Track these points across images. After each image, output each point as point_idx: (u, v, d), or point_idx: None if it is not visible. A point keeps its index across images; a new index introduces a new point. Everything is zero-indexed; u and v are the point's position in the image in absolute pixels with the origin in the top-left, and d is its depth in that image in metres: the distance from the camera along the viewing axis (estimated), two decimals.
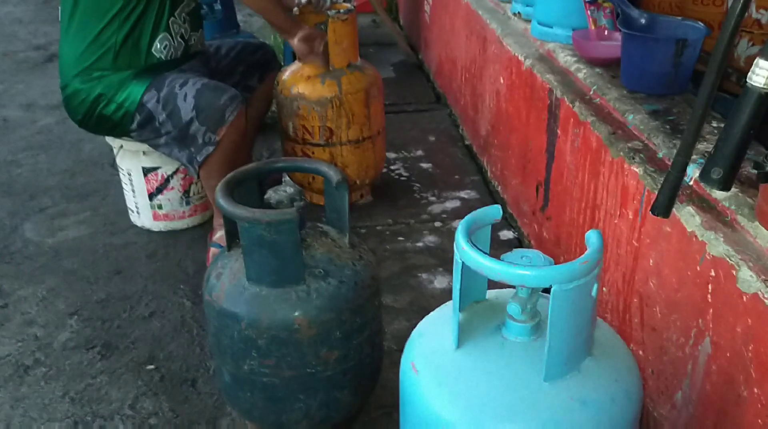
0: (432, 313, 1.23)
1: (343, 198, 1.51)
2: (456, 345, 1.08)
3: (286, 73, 2.49)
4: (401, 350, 1.91)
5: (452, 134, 3.28)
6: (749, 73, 0.96)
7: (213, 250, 2.27)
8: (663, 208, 1.08)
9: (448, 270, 2.24)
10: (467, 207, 2.63)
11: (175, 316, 2.10)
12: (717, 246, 1.19)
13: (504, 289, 1.23)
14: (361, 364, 1.55)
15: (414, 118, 3.47)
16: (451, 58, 3.41)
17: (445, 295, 2.11)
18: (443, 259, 2.31)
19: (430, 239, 2.43)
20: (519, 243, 2.36)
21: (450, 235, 2.45)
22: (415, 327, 1.99)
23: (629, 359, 1.10)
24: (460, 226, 1.05)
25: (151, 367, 1.91)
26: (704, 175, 1.07)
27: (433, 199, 2.70)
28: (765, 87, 0.94)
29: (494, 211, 1.10)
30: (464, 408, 1.01)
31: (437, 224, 2.52)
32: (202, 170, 2.16)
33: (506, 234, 2.41)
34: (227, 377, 1.54)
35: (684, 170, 1.06)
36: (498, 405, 1.00)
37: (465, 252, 1.00)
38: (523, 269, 0.95)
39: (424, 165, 2.97)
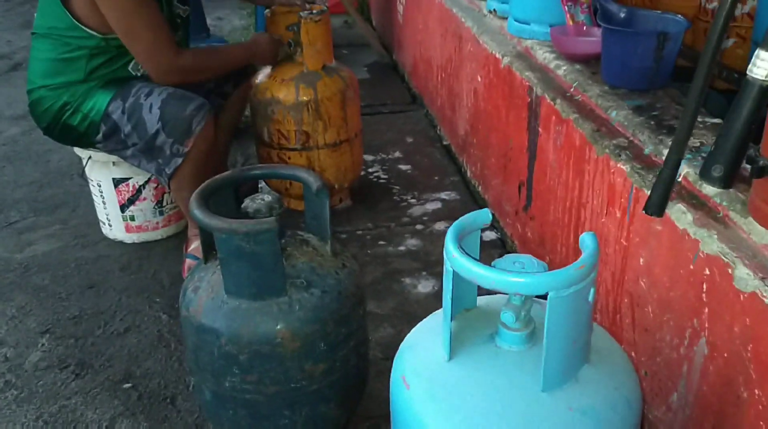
0: (421, 324, 1.18)
1: (324, 204, 1.46)
2: (448, 357, 1.03)
3: (260, 77, 2.43)
4: (387, 359, 1.88)
5: (430, 135, 3.24)
6: (749, 66, 0.93)
7: (189, 261, 2.21)
8: (656, 206, 1.05)
9: (432, 274, 2.20)
10: (448, 208, 2.59)
11: (151, 331, 2.03)
12: (710, 244, 1.16)
13: (494, 295, 1.19)
14: (348, 376, 1.49)
15: (390, 119, 3.43)
16: (426, 57, 3.37)
17: (430, 300, 2.07)
18: (426, 262, 2.26)
19: (412, 242, 2.38)
20: (502, 243, 2.33)
21: (432, 237, 2.41)
22: (400, 334, 1.96)
23: (627, 364, 1.07)
24: (449, 233, 1.00)
25: (128, 385, 1.84)
26: (704, 173, 1.04)
27: (413, 201, 2.65)
28: (766, 79, 0.91)
29: (483, 216, 1.05)
30: (460, 422, 0.96)
31: (419, 227, 2.48)
32: (172, 182, 2.09)
33: (489, 235, 2.38)
34: (208, 395, 1.48)
35: (677, 168, 1.03)
36: (495, 418, 0.95)
37: (456, 260, 0.95)
38: (518, 277, 0.91)
39: (403, 167, 2.93)
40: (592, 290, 0.95)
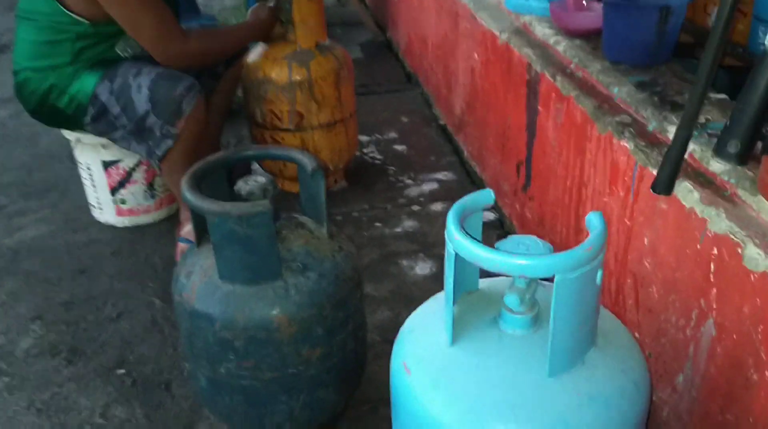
0: (421, 307, 1.15)
1: (320, 186, 1.42)
2: (450, 341, 1.00)
3: (252, 56, 2.37)
4: (385, 342, 1.85)
5: (425, 114, 3.19)
6: (766, 38, 0.89)
7: (181, 245, 2.16)
8: (664, 185, 1.01)
9: (430, 255, 2.17)
10: (445, 189, 2.55)
11: (144, 316, 1.99)
12: (719, 222, 1.12)
13: (496, 278, 1.16)
14: (346, 360, 1.46)
15: (385, 99, 3.37)
16: (420, 36, 3.31)
17: (428, 282, 2.04)
18: (423, 244, 2.23)
19: (409, 224, 2.34)
20: (500, 224, 2.29)
21: (429, 218, 2.37)
22: (398, 317, 1.93)
23: (634, 347, 1.04)
24: (451, 214, 0.96)
25: (122, 371, 1.80)
26: (719, 149, 1.00)
27: (409, 182, 2.61)
28: None
29: (485, 196, 1.02)
30: (463, 409, 0.93)
31: (415, 208, 2.44)
32: (163, 164, 2.04)
33: (487, 215, 2.34)
34: (203, 381, 1.45)
35: (686, 144, 0.99)
36: (500, 404, 0.92)
37: (459, 242, 0.92)
38: (523, 259, 0.87)
39: (398, 147, 2.88)
40: (599, 272, 0.92)
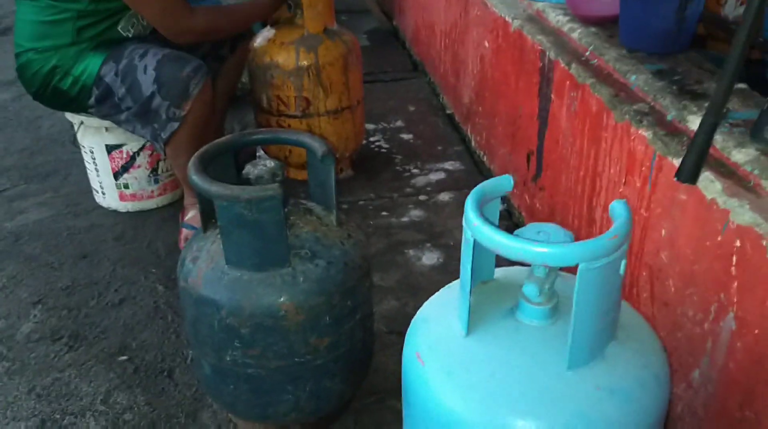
0: (434, 297, 1.12)
1: (329, 172, 1.38)
2: (466, 331, 0.97)
3: (259, 41, 2.34)
4: (392, 332, 1.83)
5: (432, 103, 3.15)
6: None
7: (186, 231, 2.13)
8: (689, 173, 0.98)
9: (437, 245, 2.13)
10: (452, 178, 2.52)
11: (147, 302, 1.96)
12: (742, 214, 1.09)
13: (512, 267, 1.13)
14: (353, 350, 1.43)
15: (391, 87, 3.33)
16: (428, 23, 3.27)
17: (435, 272, 2.01)
18: (431, 233, 2.20)
19: (416, 213, 2.31)
20: (509, 215, 2.26)
21: (436, 208, 2.34)
22: (405, 307, 1.91)
23: (654, 340, 1.01)
24: (470, 200, 0.93)
25: (124, 357, 1.78)
26: (756, 133, 0.96)
27: (416, 171, 2.58)
28: None
29: (505, 182, 0.98)
30: (479, 401, 0.90)
31: (422, 198, 2.40)
32: (168, 148, 2.01)
33: None
34: (207, 369, 1.42)
35: (713, 132, 0.96)
36: (517, 397, 0.89)
37: (478, 228, 0.88)
38: (546, 247, 0.84)
39: (405, 136, 2.85)
40: (623, 262, 0.89)
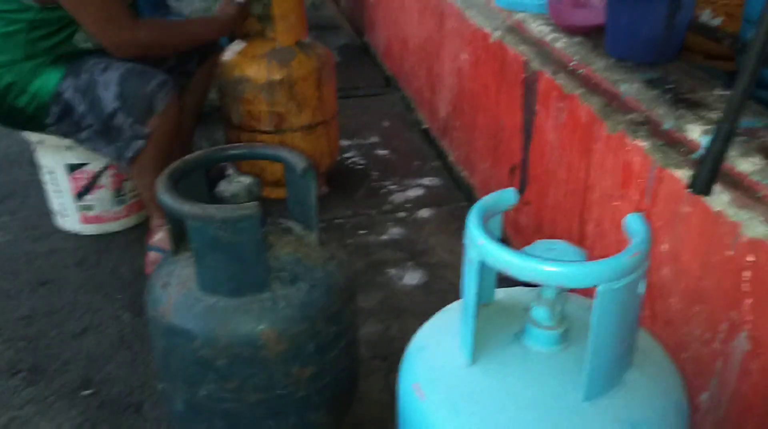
0: (430, 322, 1.03)
1: (310, 188, 1.30)
2: (470, 360, 0.88)
3: (228, 54, 2.24)
4: (375, 357, 1.73)
5: (407, 118, 3.08)
6: None
7: (153, 254, 2.01)
8: (704, 183, 0.92)
9: (419, 264, 2.05)
10: (431, 194, 2.44)
11: (112, 332, 1.84)
12: (753, 226, 1.03)
13: (513, 288, 1.05)
14: (338, 379, 1.34)
15: (364, 103, 3.26)
16: (401, 37, 3.21)
17: (418, 292, 1.92)
18: (412, 252, 2.11)
19: (395, 231, 2.23)
20: None
21: (416, 225, 2.25)
22: (388, 330, 1.81)
23: (670, 365, 0.93)
24: (473, 216, 0.85)
25: (88, 392, 1.65)
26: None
27: (393, 187, 2.49)
28: None
29: (508, 196, 0.90)
30: None
31: (401, 214, 2.32)
32: (133, 167, 1.89)
33: None
34: (180, 405, 1.30)
35: (730, 139, 0.89)
36: None
37: (484, 247, 0.80)
38: (563, 267, 0.76)
39: (381, 152, 2.77)
40: (642, 283, 0.81)
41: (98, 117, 1.84)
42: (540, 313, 0.86)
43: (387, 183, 2.52)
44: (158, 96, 1.82)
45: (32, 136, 2.09)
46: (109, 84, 1.82)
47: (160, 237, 2.03)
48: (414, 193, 2.45)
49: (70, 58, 1.88)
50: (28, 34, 1.82)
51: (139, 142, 1.84)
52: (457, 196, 2.43)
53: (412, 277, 1.99)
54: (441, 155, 2.69)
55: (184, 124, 2.13)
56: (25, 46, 1.83)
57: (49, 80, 1.86)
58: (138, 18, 1.87)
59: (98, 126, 1.86)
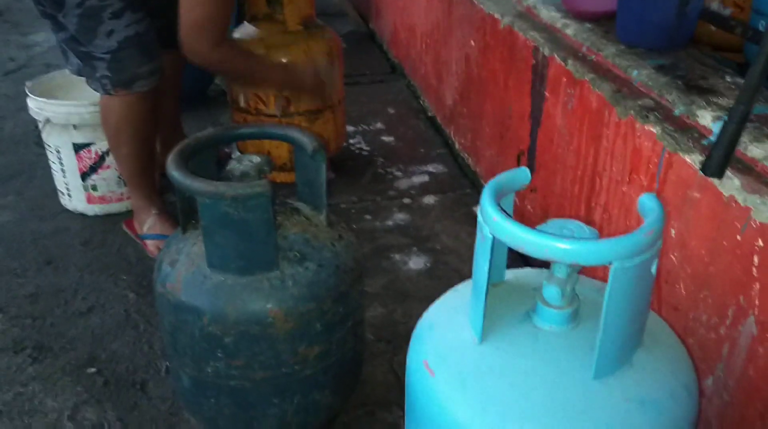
0: (440, 300, 1.03)
1: (320, 169, 1.30)
2: (480, 338, 0.88)
3: (237, 37, 2.23)
4: (379, 340, 1.73)
5: (413, 105, 3.08)
6: None
7: (151, 241, 2.01)
8: (717, 166, 0.91)
9: (423, 249, 2.05)
10: (436, 181, 2.44)
11: (117, 311, 1.84)
12: (764, 211, 1.03)
13: (523, 269, 1.05)
14: (344, 359, 1.34)
15: (370, 89, 3.25)
16: (408, 25, 3.20)
17: (423, 277, 1.92)
18: (416, 237, 2.11)
19: (400, 217, 2.23)
20: None
21: (421, 211, 2.25)
22: (392, 313, 1.81)
23: (680, 347, 0.93)
24: (486, 194, 0.85)
25: (93, 370, 1.65)
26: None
27: (398, 174, 2.49)
28: None
29: (522, 175, 0.90)
30: (497, 415, 0.82)
31: (406, 201, 2.32)
32: (110, 141, 1.91)
33: None
34: (186, 381, 1.31)
35: (745, 121, 0.89)
36: (539, 410, 0.81)
37: (498, 224, 0.80)
38: (578, 244, 0.76)
39: (386, 138, 2.76)
40: (655, 262, 0.81)
41: (82, 43, 1.79)
42: (551, 291, 0.87)
43: (392, 169, 2.52)
44: (141, 81, 1.81)
45: (40, 115, 2.08)
46: (111, 34, 1.76)
47: (150, 225, 2.02)
48: (419, 179, 2.45)
49: None
50: None
51: (102, 92, 1.84)
52: (462, 183, 2.43)
53: (416, 263, 1.99)
54: (447, 142, 2.69)
55: (164, 106, 2.12)
56: None
57: None
58: (227, 38, 1.86)
59: (75, 46, 1.82)
